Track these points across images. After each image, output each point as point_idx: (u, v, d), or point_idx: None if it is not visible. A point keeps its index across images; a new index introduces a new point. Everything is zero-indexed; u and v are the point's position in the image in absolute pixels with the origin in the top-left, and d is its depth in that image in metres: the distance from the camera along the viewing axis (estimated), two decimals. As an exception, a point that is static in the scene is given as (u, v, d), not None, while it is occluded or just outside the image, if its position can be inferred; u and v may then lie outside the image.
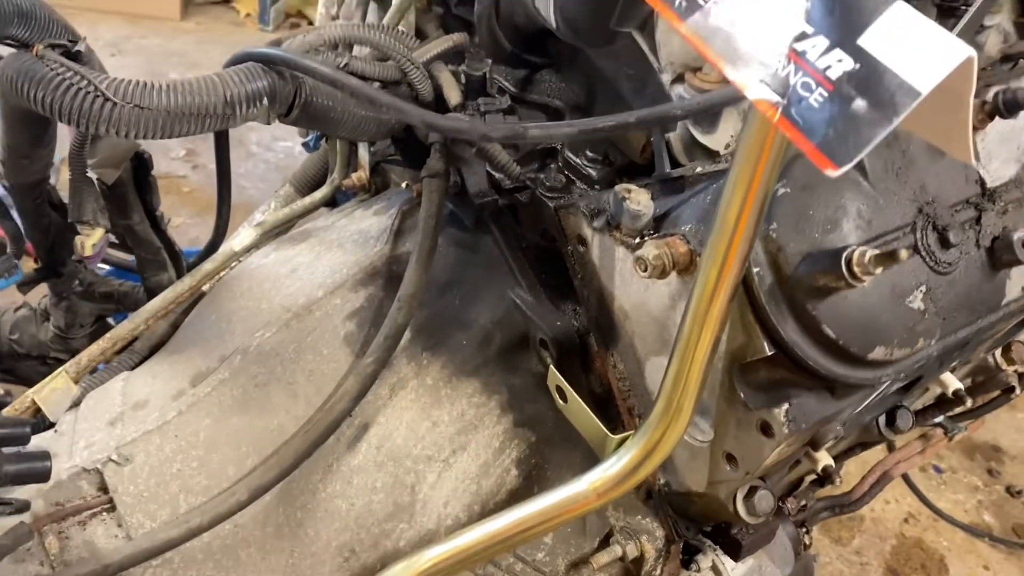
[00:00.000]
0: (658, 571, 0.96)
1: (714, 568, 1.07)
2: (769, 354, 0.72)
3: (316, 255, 1.07)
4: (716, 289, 0.67)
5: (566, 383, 0.86)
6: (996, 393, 1.06)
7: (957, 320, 0.77)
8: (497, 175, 1.03)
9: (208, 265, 1.16)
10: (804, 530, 1.15)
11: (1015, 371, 1.01)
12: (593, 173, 0.95)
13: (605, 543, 0.96)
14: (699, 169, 0.86)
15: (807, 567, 1.19)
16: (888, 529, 2.25)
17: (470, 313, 1.00)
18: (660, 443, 0.77)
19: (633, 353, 0.89)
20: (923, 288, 0.74)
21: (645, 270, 0.74)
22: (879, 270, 0.65)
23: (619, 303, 0.88)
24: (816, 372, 0.73)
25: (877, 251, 0.65)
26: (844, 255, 0.66)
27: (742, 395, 0.77)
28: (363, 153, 1.18)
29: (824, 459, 0.89)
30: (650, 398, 0.90)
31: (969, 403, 0.96)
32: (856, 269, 0.65)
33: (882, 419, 0.94)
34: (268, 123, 0.90)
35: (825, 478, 0.88)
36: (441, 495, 0.93)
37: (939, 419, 1.11)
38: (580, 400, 0.86)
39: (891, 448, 1.45)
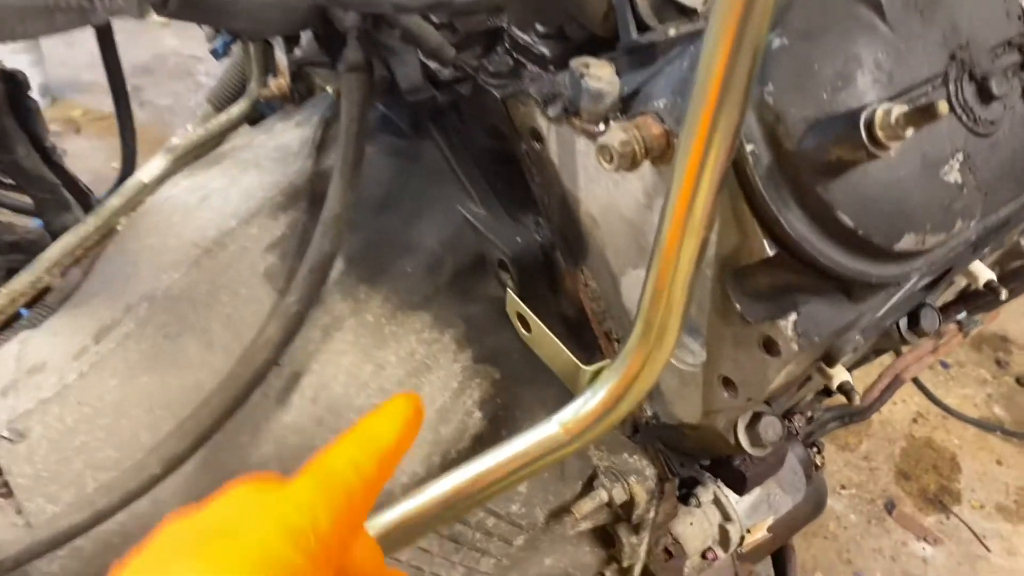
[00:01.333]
0: (652, 513, 0.83)
1: (716, 502, 0.95)
2: (770, 255, 0.58)
3: (230, 179, 0.90)
4: (700, 177, 0.52)
5: (528, 309, 0.71)
6: (1030, 281, 0.92)
7: (1001, 194, 0.62)
8: (434, 65, 0.86)
9: (114, 200, 1.00)
10: (815, 449, 1.02)
11: (1052, 254, 0.87)
12: (546, 52, 0.78)
13: (588, 487, 0.83)
14: (672, 32, 0.69)
15: (819, 490, 1.07)
16: (896, 431, 2.16)
17: (413, 234, 0.84)
18: (642, 372, 0.63)
19: (606, 267, 0.74)
20: (960, 156, 0.58)
21: (610, 161, 0.59)
22: (909, 132, 0.49)
23: (586, 208, 0.73)
24: (830, 272, 0.58)
25: (906, 107, 0.49)
26: (863, 116, 0.50)
27: (738, 307, 0.63)
28: (280, 56, 1.00)
29: (840, 375, 0.75)
30: (629, 319, 0.76)
31: (1004, 295, 0.81)
32: (880, 133, 0.49)
33: (903, 321, 0.80)
34: (140, 17, 0.73)
35: (843, 395, 0.75)
36: (393, 449, 0.79)
37: (962, 315, 0.97)
38: (545, 328, 0.71)
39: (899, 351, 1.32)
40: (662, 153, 0.61)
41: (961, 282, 0.86)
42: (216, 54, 1.12)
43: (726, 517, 0.95)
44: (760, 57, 0.47)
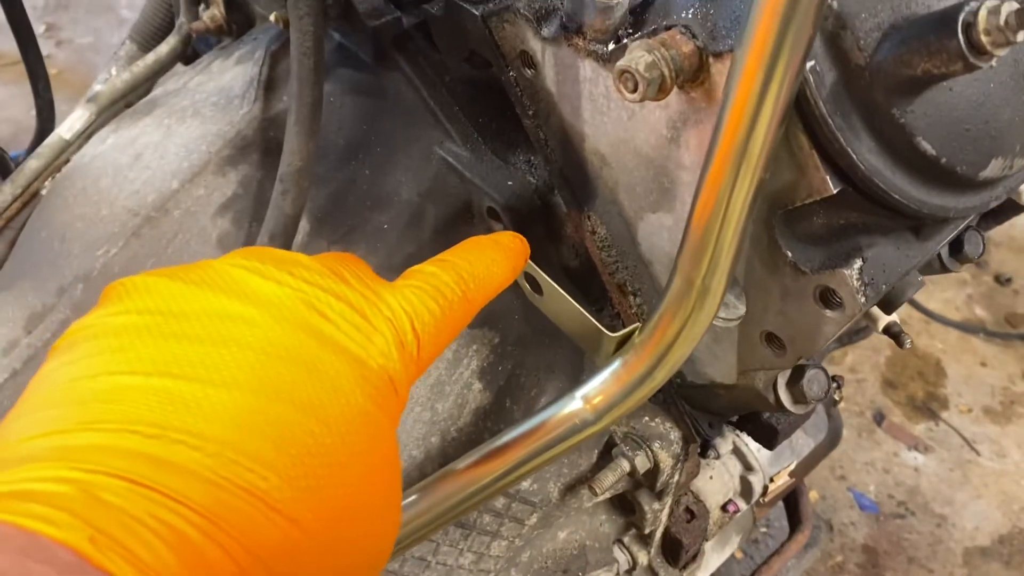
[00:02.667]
0: (676, 477, 0.75)
1: (736, 451, 0.88)
2: (834, 192, 0.48)
3: (166, 131, 0.77)
4: (759, 106, 0.42)
5: (539, 270, 0.61)
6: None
7: (1092, 102, 0.52)
8: (395, -17, 0.74)
9: (33, 162, 0.87)
10: (835, 384, 0.95)
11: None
12: (529, -43, 0.66)
13: (606, 456, 0.74)
14: (688, -75, 0.57)
15: (836, 425, 1.00)
16: (880, 340, 2.11)
17: (388, 185, 0.73)
18: (679, 339, 0.54)
19: (619, 212, 0.64)
20: (1054, 58, 0.49)
21: (634, 89, 0.48)
22: (1020, 36, 0.39)
23: (592, 144, 0.62)
24: (903, 209, 0.49)
25: (1019, 6, 0.39)
26: (962, 19, 0.40)
27: (789, 255, 0.53)
28: (211, -19, 0.86)
29: (886, 316, 0.67)
30: (647, 269, 0.66)
31: (1053, 211, 0.73)
32: (984, 39, 0.39)
33: (945, 250, 0.71)
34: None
35: (891, 338, 0.66)
36: (385, 432, 0.69)
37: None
38: (560, 291, 0.61)
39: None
40: (694, 75, 0.50)
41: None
42: (135, -17, 0.97)
43: (748, 467, 0.87)
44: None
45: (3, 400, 0.69)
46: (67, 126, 0.88)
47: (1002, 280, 2.30)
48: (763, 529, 1.63)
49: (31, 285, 0.76)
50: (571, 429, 0.59)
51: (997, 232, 2.45)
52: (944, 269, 0.74)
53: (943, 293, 2.25)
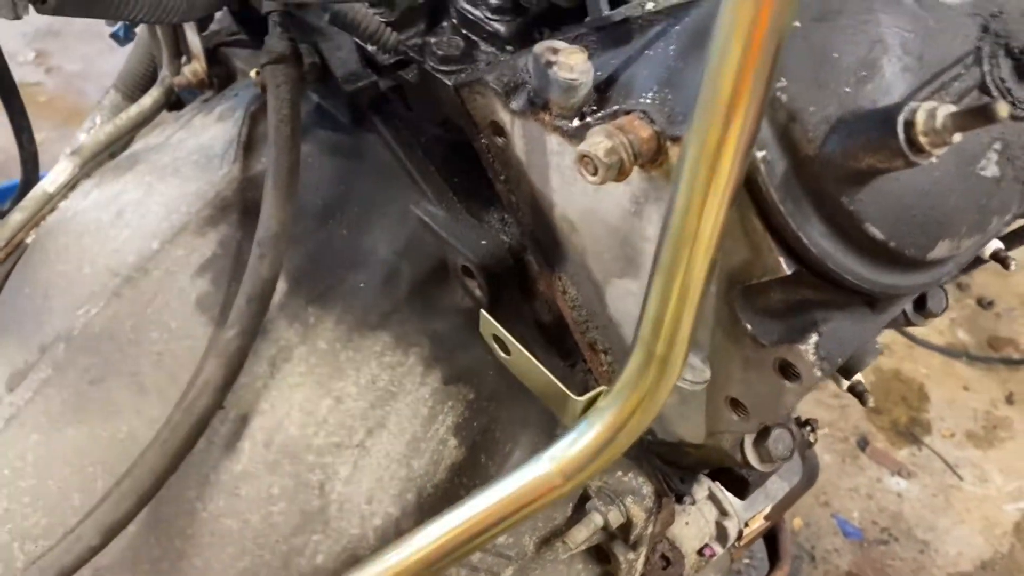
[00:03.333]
0: (649, 529, 0.77)
1: (712, 498, 0.89)
2: (788, 273, 0.49)
3: (146, 189, 0.79)
4: (709, 190, 0.44)
5: (506, 332, 0.63)
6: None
7: (1038, 181, 0.54)
8: (371, 48, 0.75)
9: (17, 215, 0.89)
10: (808, 428, 0.96)
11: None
12: (501, 28, 0.68)
13: (580, 510, 0.76)
14: (650, 5, 0.59)
15: (812, 464, 1.01)
16: (864, 364, 2.14)
17: (364, 244, 0.74)
18: (641, 406, 0.55)
19: (587, 275, 0.66)
20: (998, 145, 0.50)
21: (594, 172, 0.50)
22: (957, 137, 0.41)
23: (561, 211, 0.64)
24: (855, 288, 0.50)
25: (954, 109, 0.41)
26: (901, 119, 0.42)
27: (748, 328, 0.55)
28: (192, 37, 0.88)
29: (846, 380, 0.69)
30: (616, 330, 0.67)
31: (1013, 266, 0.75)
32: (922, 140, 0.41)
33: (909, 305, 0.73)
34: (16, 17, 0.61)
35: (855, 397, 0.68)
36: (361, 490, 0.71)
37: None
38: (527, 354, 0.62)
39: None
40: (653, 158, 0.52)
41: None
42: (118, 39, 0.98)
43: (723, 512, 0.89)
44: (784, 44, 0.39)
45: (-15, 459, 0.70)
46: (50, 179, 0.89)
47: (984, 304, 2.33)
48: (746, 560, 1.64)
49: (12, 341, 0.77)
50: (540, 491, 0.60)
51: (980, 255, 2.48)
52: (909, 323, 0.75)
53: (926, 317, 2.27)
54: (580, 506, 0.76)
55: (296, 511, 0.69)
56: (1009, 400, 2.10)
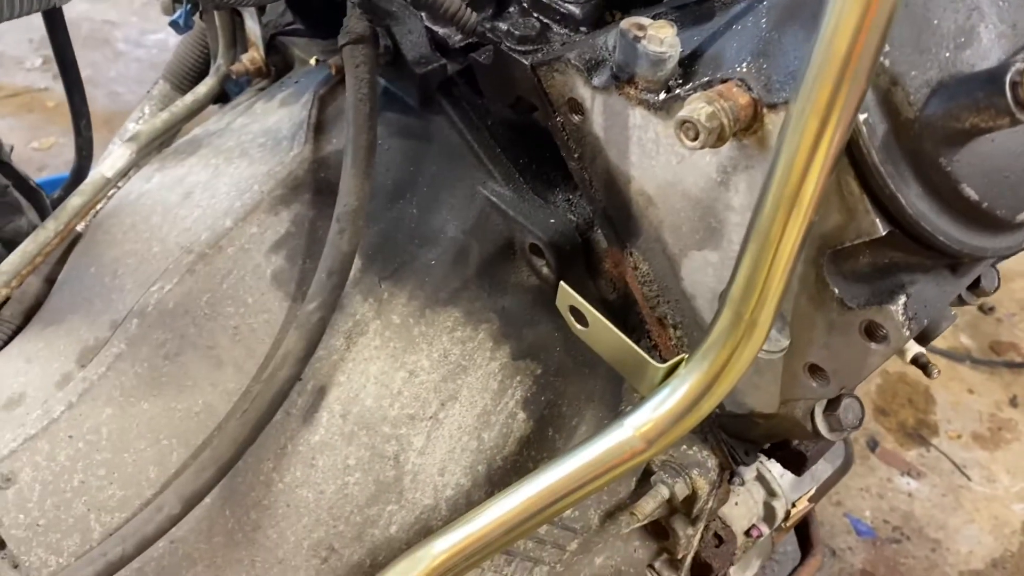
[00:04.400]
0: (710, 503, 0.78)
1: (760, 478, 0.91)
2: (883, 234, 0.52)
3: (214, 170, 0.80)
4: (813, 155, 0.46)
5: (585, 303, 0.64)
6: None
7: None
8: (441, 31, 0.77)
9: (76, 200, 0.89)
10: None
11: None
12: (575, 10, 0.70)
13: (644, 483, 0.77)
14: (732, -14, 0.62)
15: (850, 453, 1.03)
16: (870, 368, 2.17)
17: (434, 223, 0.76)
18: (726, 368, 0.57)
19: (662, 249, 0.68)
20: (1081, 111, 0.53)
21: (695, 138, 0.52)
22: (1063, 93, 0.43)
23: (638, 185, 0.66)
24: (946, 249, 0.52)
25: (1061, 66, 0.43)
26: (1009, 77, 0.44)
27: (836, 291, 0.57)
28: (252, 25, 0.89)
29: (914, 347, 0.71)
30: (689, 303, 0.69)
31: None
32: (1030, 97, 0.43)
33: (963, 282, 0.75)
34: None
35: (919, 368, 0.70)
36: (434, 461, 0.72)
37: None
38: (606, 322, 0.64)
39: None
40: (749, 124, 0.54)
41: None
42: (177, 27, 0.99)
43: (771, 493, 0.91)
44: (898, 9, 0.41)
45: (60, 431, 0.71)
46: (108, 164, 0.90)
47: (985, 309, 2.37)
48: (777, 555, 1.66)
49: (81, 319, 0.78)
50: (621, 457, 0.61)
51: (979, 262, 2.52)
52: (961, 302, 0.78)
53: (929, 322, 2.31)
54: (644, 480, 0.78)
55: (371, 482, 0.70)
56: (1013, 403, 2.13)
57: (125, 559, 0.65)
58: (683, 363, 0.61)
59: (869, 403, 2.10)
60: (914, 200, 0.50)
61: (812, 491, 0.95)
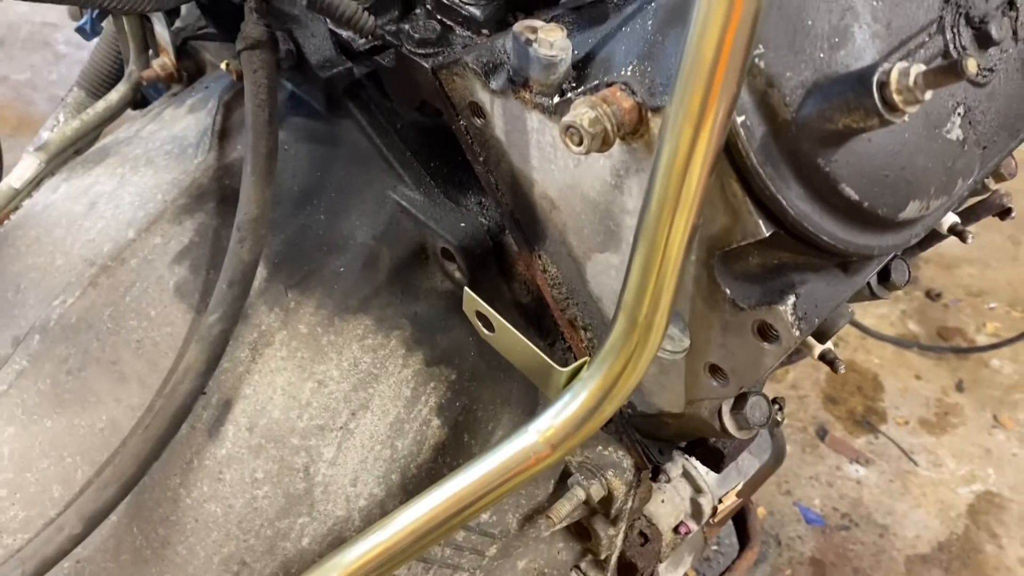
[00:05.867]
0: (629, 503, 0.78)
1: (686, 475, 0.91)
2: (766, 235, 0.51)
3: (119, 180, 0.78)
4: (691, 157, 0.46)
5: (490, 308, 0.64)
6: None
7: (997, 146, 0.57)
8: (346, 34, 0.76)
9: (-18, 212, 0.87)
10: (776, 406, 0.99)
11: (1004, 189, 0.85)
12: (476, 12, 0.69)
13: (562, 486, 0.77)
14: (624, -14, 0.61)
15: (780, 444, 1.04)
16: (820, 357, 2.19)
17: (343, 229, 0.75)
18: (625, 372, 0.57)
19: (568, 252, 0.67)
20: (961, 110, 0.53)
21: (579, 143, 0.51)
22: (928, 95, 0.43)
23: (541, 189, 0.65)
24: (831, 249, 0.52)
25: (923, 67, 0.43)
26: (876, 79, 0.44)
27: (728, 292, 0.57)
28: (160, 30, 0.87)
29: (820, 344, 0.71)
30: (597, 306, 0.69)
31: (970, 239, 0.78)
32: (896, 98, 0.43)
33: (874, 277, 0.76)
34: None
35: (827, 365, 0.71)
36: (346, 472, 0.71)
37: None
38: (511, 328, 0.64)
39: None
40: (634, 129, 0.53)
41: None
42: (84, 33, 0.97)
43: (697, 489, 0.91)
44: (764, 11, 0.41)
45: (-40, 453, 0.69)
46: (16, 175, 0.88)
47: (933, 296, 2.40)
48: (714, 547, 1.67)
49: (-16, 335, 0.76)
50: (527, 462, 0.61)
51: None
52: (874, 296, 0.78)
53: (878, 309, 2.34)
54: (562, 483, 0.77)
55: (281, 494, 0.69)
56: (959, 387, 2.17)
57: (26, 581, 0.64)
58: (584, 367, 0.61)
59: (819, 392, 2.12)
60: (796, 201, 0.50)
61: (740, 486, 0.95)
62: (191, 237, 0.73)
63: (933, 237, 0.83)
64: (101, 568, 0.68)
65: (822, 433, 2.01)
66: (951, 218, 0.78)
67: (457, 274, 0.75)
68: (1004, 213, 0.85)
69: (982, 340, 2.29)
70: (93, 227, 0.75)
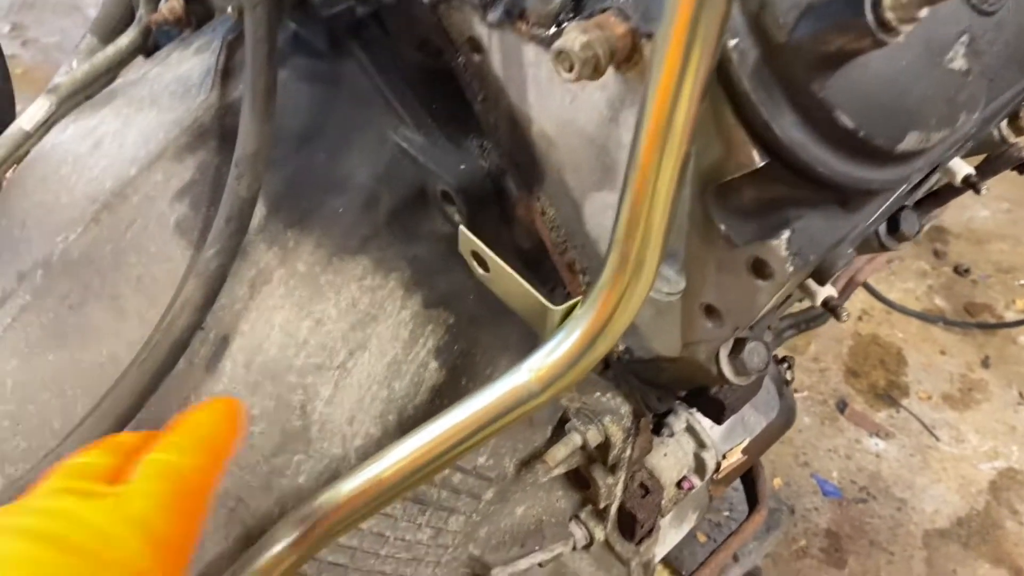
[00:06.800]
0: (628, 451, 0.78)
1: (689, 429, 0.90)
2: (760, 165, 0.50)
3: (124, 120, 0.79)
4: (680, 82, 0.44)
5: (485, 247, 0.63)
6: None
7: (1005, 79, 0.56)
8: (348, -27, 0.75)
9: (-8, 154, 0.87)
10: (785, 365, 0.98)
11: (1025, 142, 0.82)
12: (475, -53, 0.68)
13: (559, 431, 0.77)
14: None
15: (789, 404, 1.03)
16: (843, 330, 2.16)
17: (342, 169, 0.74)
18: (617, 310, 0.56)
19: (565, 191, 0.66)
20: (965, 38, 0.51)
21: (570, 69, 0.50)
22: (924, 12, 0.42)
23: (539, 126, 0.64)
24: (826, 181, 0.51)
25: (921, -18, 0.41)
26: (870, -4, 0.42)
27: (722, 228, 0.56)
28: (170, -27, 0.87)
29: (824, 290, 0.70)
30: (595, 248, 0.68)
31: (984, 190, 0.76)
32: (890, 15, 0.42)
33: (882, 227, 0.74)
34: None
35: (829, 312, 0.69)
36: (343, 411, 0.71)
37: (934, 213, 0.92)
38: (505, 267, 0.63)
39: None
40: (628, 56, 0.52)
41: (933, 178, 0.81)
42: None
43: (701, 444, 0.90)
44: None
45: (-37, 384, 0.70)
46: (27, 117, 0.89)
47: (960, 271, 2.36)
48: (726, 513, 1.66)
49: (-9, 272, 0.77)
50: (517, 401, 0.61)
51: (955, 224, 2.51)
52: (882, 247, 0.76)
53: (904, 283, 2.30)
54: (559, 429, 0.77)
55: (277, 432, 0.70)
56: (985, 364, 2.13)
57: (24, 509, 0.65)
58: (578, 305, 0.60)
59: (841, 365, 2.09)
60: (789, 129, 0.49)
61: (745, 443, 0.95)
62: (192, 175, 0.73)
63: (948, 191, 0.81)
64: (100, 499, 0.69)
65: (842, 406, 1.99)
66: (966, 169, 0.76)
67: (457, 217, 0.74)
68: (1022, 167, 0.83)
69: (1011, 317, 2.24)
70: (97, 165, 0.76)
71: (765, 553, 1.29)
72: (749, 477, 1.14)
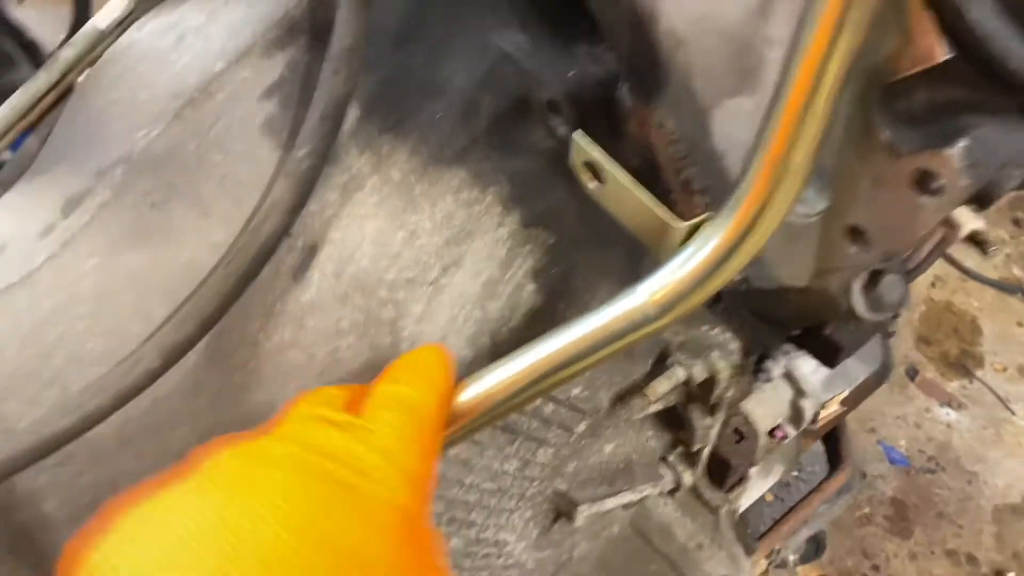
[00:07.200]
0: (731, 392, 0.72)
1: (788, 376, 0.85)
2: (945, 59, 0.44)
3: (209, 14, 0.74)
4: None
5: (603, 154, 0.58)
6: None
7: None
8: None
9: (68, 52, 0.83)
10: (892, 315, 0.91)
11: None
12: None
13: (660, 365, 0.72)
14: None
15: (888, 361, 0.97)
16: (915, 295, 2.08)
17: (441, 72, 0.69)
18: (759, 221, 0.51)
19: (691, 99, 0.60)
20: None
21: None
22: None
23: (667, 24, 0.58)
24: (1016, 81, 0.45)
25: None
26: None
27: (887, 135, 0.50)
28: None
29: (972, 220, 0.63)
30: (719, 163, 0.62)
31: None
32: None
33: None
34: None
35: (975, 246, 0.63)
36: (434, 329, 0.67)
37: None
38: (627, 176, 0.58)
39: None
40: (794, -69, 0.46)
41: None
42: None
43: (799, 392, 0.84)
44: None
45: (41, 279, 0.67)
46: (103, 16, 0.84)
47: (1043, 240, 2.25)
48: (795, 473, 1.61)
49: (67, 168, 0.73)
50: (631, 324, 0.56)
51: (1039, 192, 2.39)
52: (1026, 183, 0.69)
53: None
54: (659, 364, 0.72)
55: (366, 347, 0.66)
56: (1065, 337, 2.04)
57: (103, 411, 0.61)
58: (707, 222, 0.55)
59: (912, 331, 2.02)
60: (984, 17, 0.42)
61: (846, 392, 0.89)
62: (281, 72, 0.68)
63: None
64: (177, 408, 0.66)
65: (912, 373, 1.91)
66: None
67: (561, 130, 0.69)
68: None
69: (1094, 290, 2.14)
70: (179, 60, 0.71)
71: (832, 517, 1.24)
72: (833, 434, 1.09)
